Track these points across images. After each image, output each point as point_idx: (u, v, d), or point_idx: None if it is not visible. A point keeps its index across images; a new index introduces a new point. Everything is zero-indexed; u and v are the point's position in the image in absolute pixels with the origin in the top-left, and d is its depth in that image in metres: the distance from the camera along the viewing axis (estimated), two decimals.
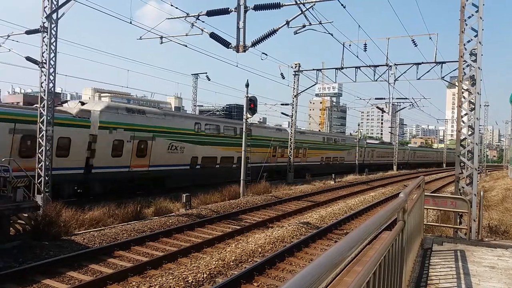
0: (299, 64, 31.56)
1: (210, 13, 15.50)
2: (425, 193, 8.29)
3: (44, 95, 13.51)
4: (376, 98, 39.40)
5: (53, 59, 13.59)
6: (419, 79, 25.61)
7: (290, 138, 31.94)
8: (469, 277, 5.93)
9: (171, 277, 8.16)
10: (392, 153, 59.16)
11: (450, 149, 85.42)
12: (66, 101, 22.18)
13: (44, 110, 13.51)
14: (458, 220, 9.83)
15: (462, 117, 9.96)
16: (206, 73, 42.58)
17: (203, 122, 25.29)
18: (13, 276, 8.14)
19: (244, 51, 14.35)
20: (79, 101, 20.09)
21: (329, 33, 18.49)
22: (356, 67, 26.95)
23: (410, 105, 41.76)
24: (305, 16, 15.75)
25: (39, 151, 13.51)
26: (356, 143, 47.99)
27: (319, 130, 77.21)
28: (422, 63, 25.21)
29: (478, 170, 10.03)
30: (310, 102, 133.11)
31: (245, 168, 21.01)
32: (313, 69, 30.41)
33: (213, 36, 15.05)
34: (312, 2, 15.58)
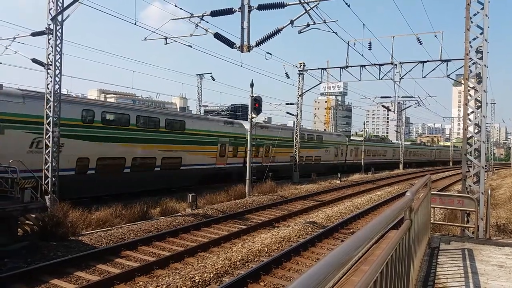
0: (304, 63, 31.51)
1: (214, 13, 15.53)
2: (432, 192, 8.25)
3: (50, 96, 13.61)
4: (381, 97, 39.32)
5: (59, 60, 13.68)
6: (424, 77, 25.53)
7: (296, 138, 31.88)
8: (477, 276, 5.89)
9: (178, 277, 8.19)
10: (383, 151, 55.59)
11: (456, 147, 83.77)
12: None
13: (50, 111, 13.60)
14: (466, 219, 9.77)
15: (468, 115, 9.90)
16: (211, 73, 42.58)
17: (99, 110, 18.12)
18: (21, 276, 8.20)
19: (249, 51, 14.36)
20: None
21: (333, 32, 18.45)
22: (361, 66, 26.87)
23: (416, 103, 41.64)
24: (309, 15, 15.73)
25: (46, 152, 13.61)
26: (336, 139, 43.46)
27: (324, 128, 76.47)
28: (428, 61, 25.10)
29: (485, 168, 9.96)
30: (315, 101, 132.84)
31: (250, 168, 21.02)
32: (318, 68, 30.38)
33: (217, 36, 15.07)
34: (316, 1, 15.54)
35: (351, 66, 26.80)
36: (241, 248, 10.69)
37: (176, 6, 16.47)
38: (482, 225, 8.91)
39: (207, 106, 64.75)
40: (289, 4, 14.66)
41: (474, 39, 9.68)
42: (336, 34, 19.25)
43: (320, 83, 31.67)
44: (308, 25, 16.69)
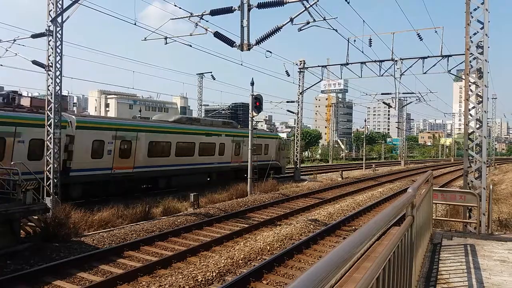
0: (304, 61, 31.47)
1: (214, 13, 15.49)
2: (434, 188, 8.24)
3: (51, 98, 13.61)
4: (382, 93, 39.29)
5: (59, 62, 13.67)
6: (425, 73, 25.40)
7: (297, 136, 31.86)
8: (479, 271, 5.89)
9: (180, 276, 8.20)
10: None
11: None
12: None
13: (51, 113, 13.61)
14: (468, 214, 9.78)
15: (469, 110, 9.89)
16: (211, 72, 42.43)
17: None
18: (24, 278, 8.22)
19: (249, 49, 14.33)
20: None
21: (333, 29, 18.40)
22: (361, 63, 26.80)
23: (416, 99, 41.61)
24: (309, 12, 15.66)
25: (47, 153, 13.62)
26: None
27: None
28: (428, 57, 25.00)
29: (487, 164, 9.96)
30: (316, 99, 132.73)
31: (251, 166, 21.02)
32: (318, 66, 30.34)
33: (217, 35, 15.04)
34: None
35: (351, 63, 26.73)
36: (243, 246, 10.69)
37: (175, 5, 16.46)
38: (484, 220, 8.91)
39: (208, 105, 64.82)
40: (288, 2, 14.61)
41: (474, 34, 9.67)
42: (336, 31, 19.19)
43: (320, 81, 31.67)
44: (308, 23, 16.62)
